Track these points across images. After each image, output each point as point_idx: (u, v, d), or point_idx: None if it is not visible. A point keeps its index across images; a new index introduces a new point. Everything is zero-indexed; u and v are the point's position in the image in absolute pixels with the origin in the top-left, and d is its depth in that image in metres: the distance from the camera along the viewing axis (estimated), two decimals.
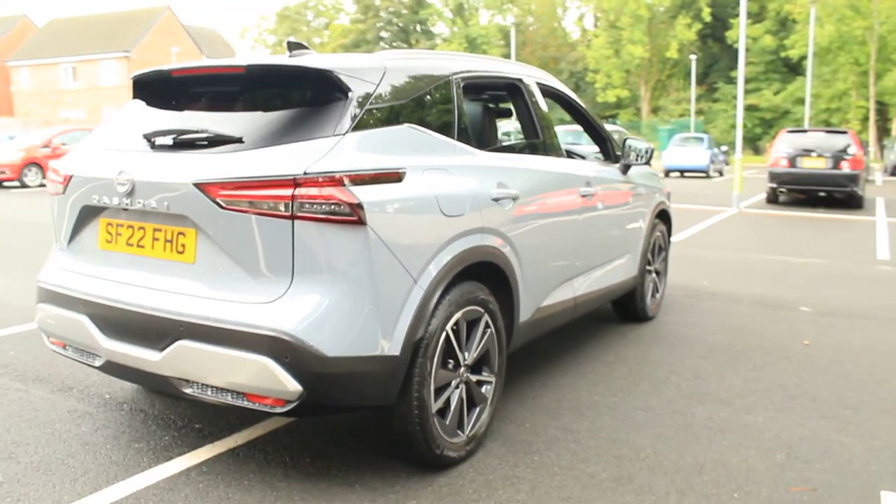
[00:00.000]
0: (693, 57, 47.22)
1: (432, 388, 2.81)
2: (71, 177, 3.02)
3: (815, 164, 13.75)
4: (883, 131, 42.33)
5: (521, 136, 3.93)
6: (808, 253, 8.88)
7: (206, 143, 2.71)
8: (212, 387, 2.62)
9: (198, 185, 2.57)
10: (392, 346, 2.60)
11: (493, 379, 3.20)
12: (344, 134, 2.62)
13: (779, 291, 6.60)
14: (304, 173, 2.46)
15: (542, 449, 3.20)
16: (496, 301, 3.17)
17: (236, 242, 2.55)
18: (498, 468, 3.02)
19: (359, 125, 2.68)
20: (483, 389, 3.14)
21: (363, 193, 2.53)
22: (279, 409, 2.53)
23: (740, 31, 14.41)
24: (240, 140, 2.65)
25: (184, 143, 2.76)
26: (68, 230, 3.09)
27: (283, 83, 2.92)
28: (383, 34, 66.47)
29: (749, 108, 49.75)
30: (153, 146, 2.84)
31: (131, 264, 2.85)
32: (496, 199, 3.17)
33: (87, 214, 2.99)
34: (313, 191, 2.45)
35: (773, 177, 14.39)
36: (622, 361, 4.48)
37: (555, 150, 3.93)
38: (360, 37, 65.11)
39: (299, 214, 2.45)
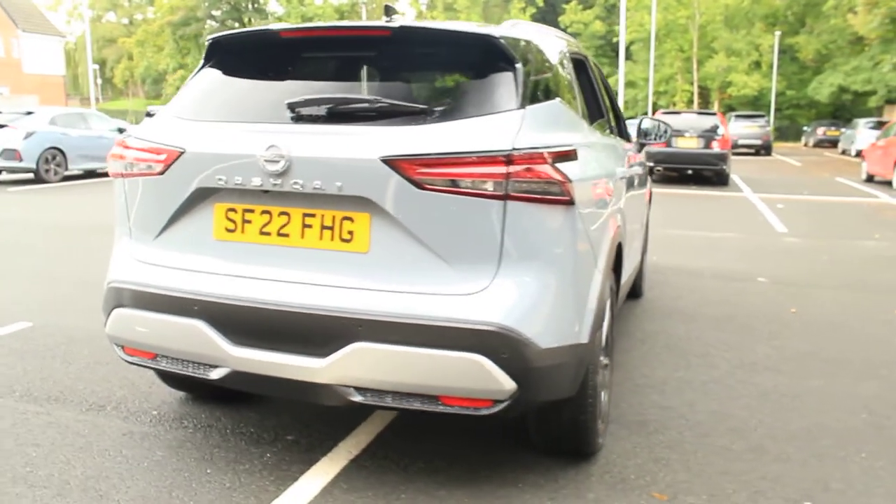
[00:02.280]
0: None
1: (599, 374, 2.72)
2: (180, 153, 2.54)
3: (688, 144, 14.78)
4: None
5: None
6: (716, 228, 9.54)
7: (374, 114, 2.39)
8: (393, 393, 2.36)
9: (388, 162, 2.27)
10: (583, 333, 2.49)
11: (608, 361, 3.16)
12: (524, 108, 2.42)
13: (725, 264, 7.04)
14: (513, 149, 2.25)
15: (660, 428, 3.21)
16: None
17: (433, 227, 2.28)
18: (637, 451, 2.99)
19: (531, 99, 2.49)
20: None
21: (566, 171, 2.37)
22: (484, 411, 2.32)
23: (620, 25, 15.12)
24: (423, 111, 2.38)
25: (344, 114, 2.42)
26: (163, 218, 2.62)
27: (436, 49, 2.64)
28: (214, 12, 63.12)
29: None
30: (298, 118, 2.45)
31: (269, 256, 2.47)
32: (620, 178, 3.12)
33: (196, 198, 2.56)
34: (526, 167, 2.25)
35: (651, 156, 15.28)
36: (652, 338, 4.58)
37: (611, 128, 3.92)
38: (189, 14, 61.41)
39: (513, 194, 2.24)
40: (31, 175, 14.47)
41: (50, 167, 14.39)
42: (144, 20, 70.69)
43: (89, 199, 11.90)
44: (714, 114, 15.84)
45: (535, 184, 2.27)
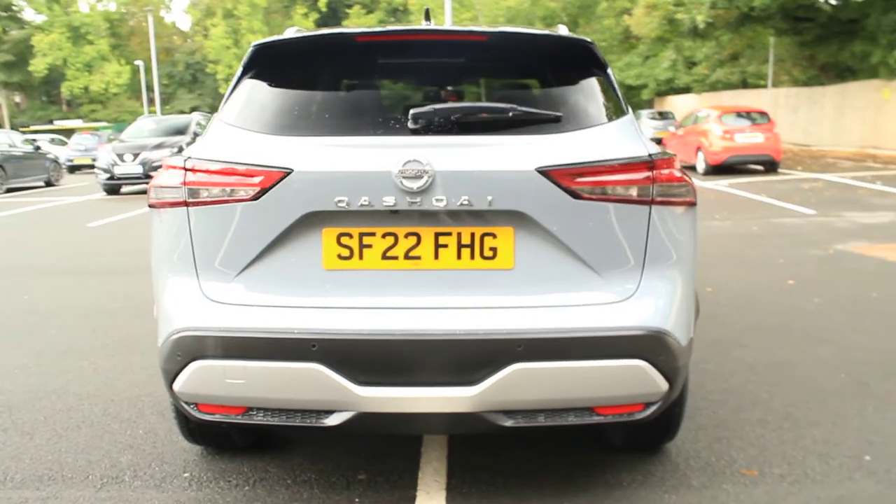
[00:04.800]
0: None
1: None
2: (285, 174, 2.25)
3: None
4: None
5: None
6: None
7: (507, 123, 2.31)
8: (547, 411, 2.31)
9: (545, 173, 2.22)
10: (692, 327, 2.59)
11: None
12: (629, 113, 2.53)
13: None
14: (649, 154, 2.32)
15: (694, 412, 3.42)
16: None
17: (584, 237, 2.27)
18: (697, 436, 3.17)
19: (626, 104, 2.60)
20: None
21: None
22: (637, 416, 2.35)
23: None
24: (557, 119, 2.34)
25: (477, 124, 2.31)
26: (253, 250, 2.31)
27: (533, 55, 2.62)
28: None
29: None
30: (425, 129, 2.28)
31: (396, 283, 2.29)
32: None
33: (301, 224, 2.28)
34: (664, 172, 2.33)
35: None
36: None
37: None
38: None
39: (657, 199, 2.31)
40: None
41: None
42: None
43: None
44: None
45: (673, 187, 2.36)
